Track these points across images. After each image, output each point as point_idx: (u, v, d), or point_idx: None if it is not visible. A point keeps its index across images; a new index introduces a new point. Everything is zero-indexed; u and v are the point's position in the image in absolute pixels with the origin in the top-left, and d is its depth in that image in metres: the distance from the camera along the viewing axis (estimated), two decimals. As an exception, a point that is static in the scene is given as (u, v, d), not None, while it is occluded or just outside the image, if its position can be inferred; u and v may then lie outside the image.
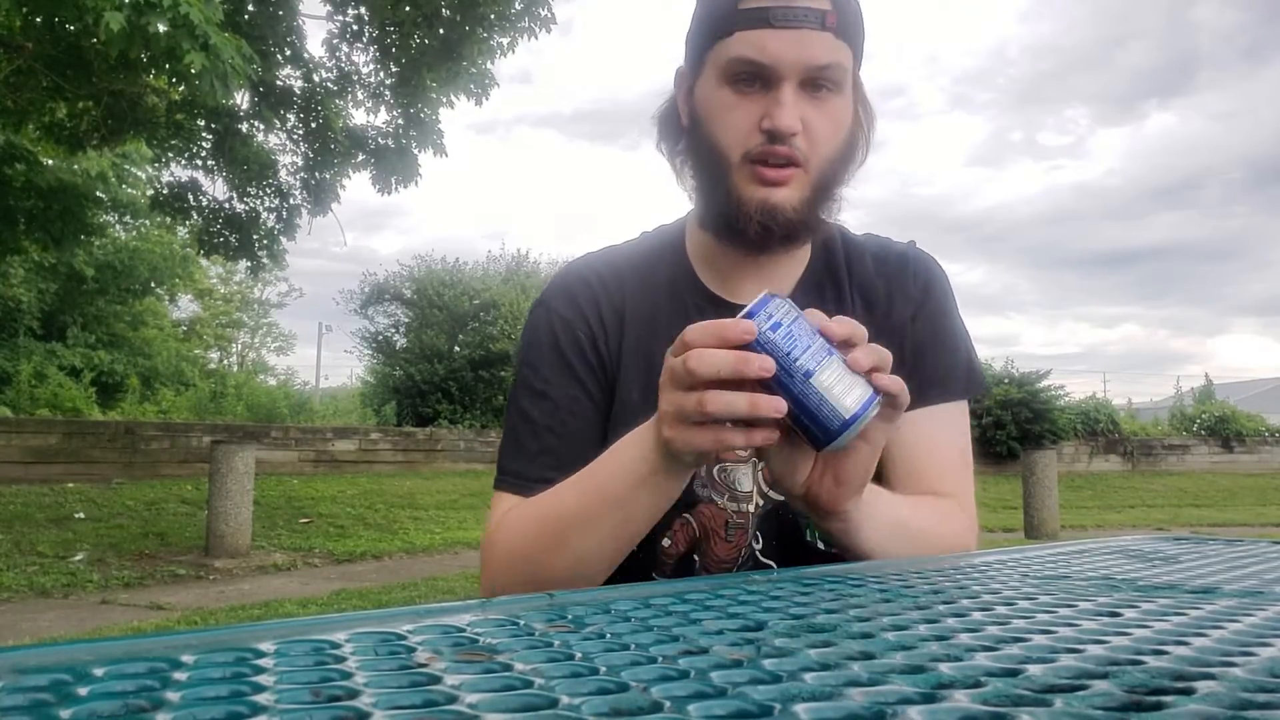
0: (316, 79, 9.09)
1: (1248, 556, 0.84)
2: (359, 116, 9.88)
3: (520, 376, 1.03)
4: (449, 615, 0.49)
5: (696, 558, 0.99)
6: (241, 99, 8.83)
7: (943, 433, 1.04)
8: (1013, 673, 0.34)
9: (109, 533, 7.86)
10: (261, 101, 8.89)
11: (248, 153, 8.91)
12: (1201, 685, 0.31)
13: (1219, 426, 16.91)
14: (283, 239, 9.40)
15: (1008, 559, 0.83)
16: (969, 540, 1.00)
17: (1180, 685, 0.32)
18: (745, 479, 1.00)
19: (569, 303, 1.03)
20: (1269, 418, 18.08)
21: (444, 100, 8.68)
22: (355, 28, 8.74)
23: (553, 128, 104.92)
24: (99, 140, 8.48)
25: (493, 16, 7.94)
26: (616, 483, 0.83)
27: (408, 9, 7.97)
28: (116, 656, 0.38)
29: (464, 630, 0.44)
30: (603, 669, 0.36)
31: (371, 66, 8.91)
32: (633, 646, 0.40)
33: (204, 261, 19.07)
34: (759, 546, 1.00)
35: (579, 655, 0.38)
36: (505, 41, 8.27)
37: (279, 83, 8.92)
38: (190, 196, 9.36)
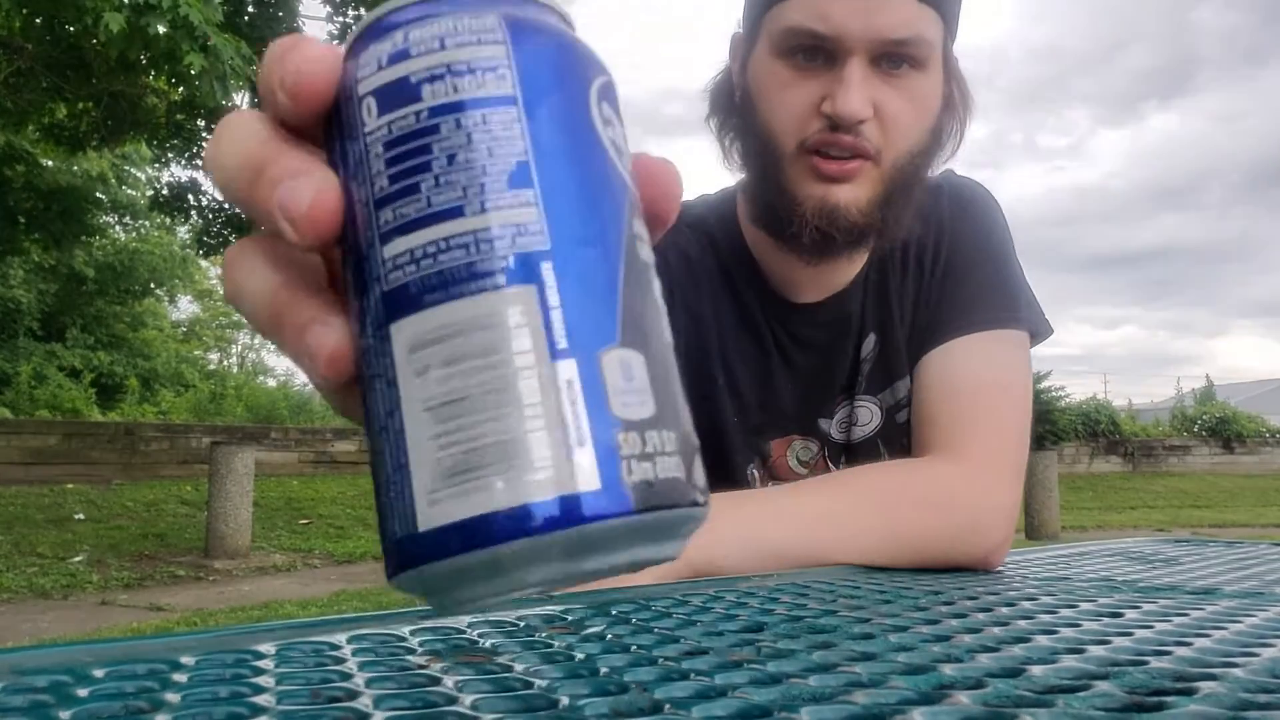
0: (316, 80, 9.08)
1: (1248, 558, 0.84)
2: (359, 117, 9.86)
3: None
4: (448, 617, 0.49)
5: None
6: (241, 100, 8.83)
7: (956, 373, 0.84)
8: (1014, 673, 0.34)
9: (108, 534, 7.86)
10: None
11: (248, 153, 8.91)
12: (1203, 686, 0.31)
13: (1220, 427, 16.91)
14: (283, 240, 9.40)
15: (1008, 560, 0.83)
16: (957, 516, 0.76)
17: (1181, 686, 0.32)
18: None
19: None
20: (1270, 418, 18.08)
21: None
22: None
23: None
24: (99, 141, 8.49)
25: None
26: None
27: (408, 10, 7.97)
28: (116, 658, 0.38)
29: (464, 632, 0.44)
30: (603, 670, 0.36)
31: (372, 67, 8.91)
32: (633, 648, 0.40)
33: (204, 263, 19.08)
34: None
35: (579, 656, 0.38)
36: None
37: (279, 83, 8.91)
38: (190, 197, 9.37)
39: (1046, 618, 0.48)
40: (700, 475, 0.25)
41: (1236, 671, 0.34)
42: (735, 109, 0.87)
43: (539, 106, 0.25)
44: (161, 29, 5.31)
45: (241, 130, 0.28)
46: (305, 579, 6.76)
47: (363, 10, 8.53)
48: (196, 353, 21.93)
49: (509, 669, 0.36)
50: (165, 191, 9.41)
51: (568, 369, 0.23)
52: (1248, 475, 16.03)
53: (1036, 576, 0.70)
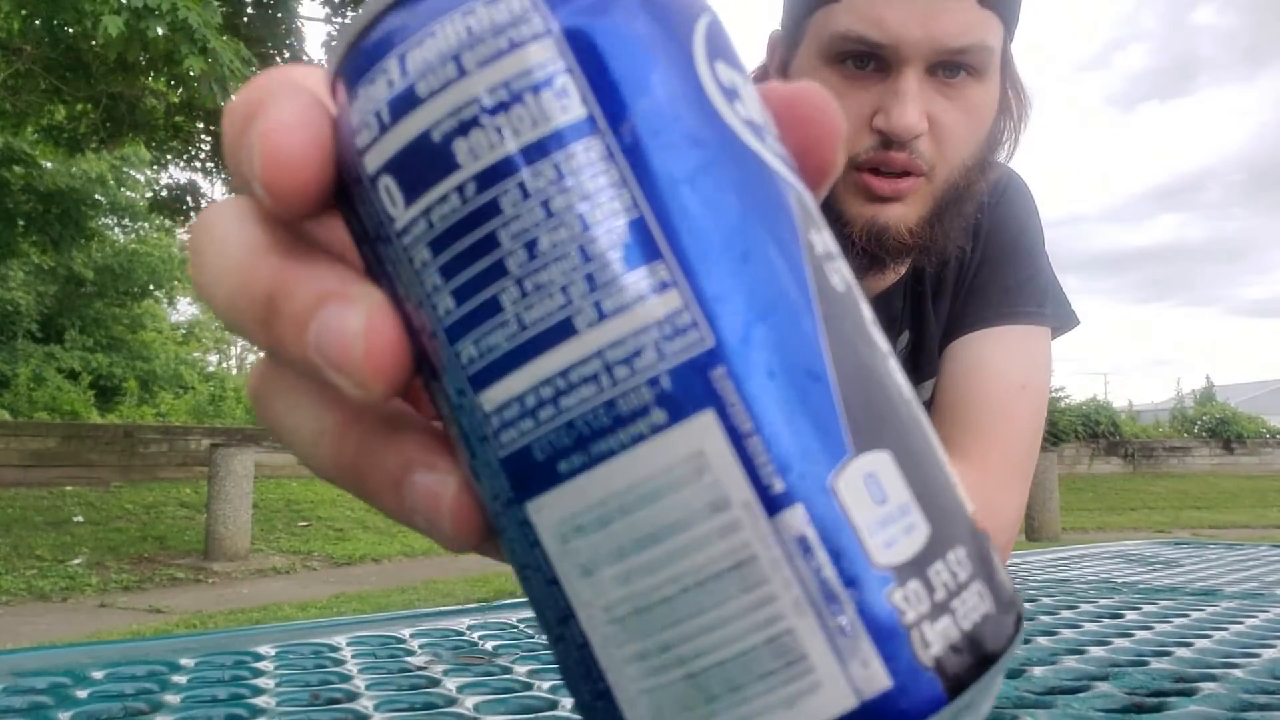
0: (316, 82, 9.09)
1: (1248, 560, 0.84)
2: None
3: None
4: (448, 619, 0.49)
5: None
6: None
7: (978, 368, 0.80)
8: (1015, 674, 0.34)
9: (108, 536, 7.85)
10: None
11: (247, 155, 8.91)
12: (1203, 687, 0.31)
13: (1220, 428, 16.91)
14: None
15: (1009, 563, 0.83)
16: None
17: (1181, 687, 0.32)
18: None
19: None
20: (1270, 419, 18.09)
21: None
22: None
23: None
24: (98, 143, 8.49)
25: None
26: None
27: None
28: (115, 660, 0.38)
29: (463, 634, 0.44)
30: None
31: (371, 69, 8.92)
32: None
33: (203, 264, 18.99)
34: None
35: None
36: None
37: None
38: (189, 198, 9.36)
39: (1047, 619, 0.48)
40: (1002, 573, 0.18)
41: (1236, 672, 0.34)
42: None
43: (632, 117, 0.17)
44: (160, 31, 5.32)
45: (227, 242, 0.19)
46: (304, 581, 6.76)
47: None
48: (195, 355, 21.91)
49: (508, 671, 0.36)
50: (164, 193, 9.40)
51: (794, 520, 0.16)
52: (1248, 476, 16.03)
53: (1037, 578, 0.70)
